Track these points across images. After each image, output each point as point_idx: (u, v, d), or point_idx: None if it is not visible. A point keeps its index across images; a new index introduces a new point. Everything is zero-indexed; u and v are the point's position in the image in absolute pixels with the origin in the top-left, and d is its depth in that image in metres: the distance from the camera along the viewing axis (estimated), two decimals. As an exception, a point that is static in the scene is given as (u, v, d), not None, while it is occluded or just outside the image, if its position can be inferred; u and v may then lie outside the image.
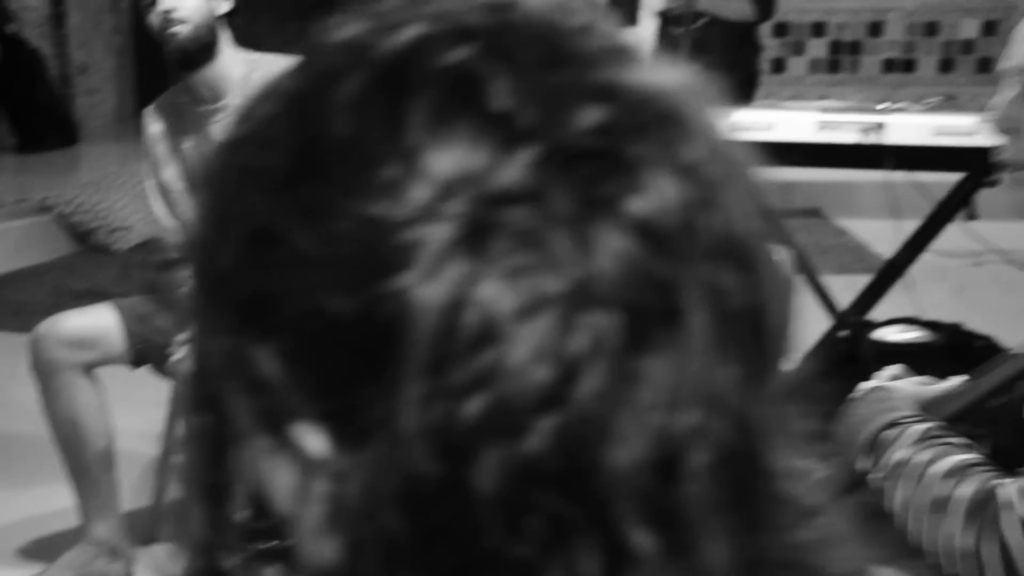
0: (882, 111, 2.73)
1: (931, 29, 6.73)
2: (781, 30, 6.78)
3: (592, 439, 0.34)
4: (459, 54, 0.35)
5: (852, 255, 4.80)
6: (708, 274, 0.35)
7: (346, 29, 0.39)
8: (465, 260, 0.33)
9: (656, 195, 0.34)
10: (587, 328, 0.33)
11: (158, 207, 2.41)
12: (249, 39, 2.39)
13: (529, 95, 0.35)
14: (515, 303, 0.33)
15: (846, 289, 2.98)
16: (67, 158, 5.89)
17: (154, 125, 2.40)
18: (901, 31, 6.75)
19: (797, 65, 6.84)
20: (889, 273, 2.84)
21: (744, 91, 4.25)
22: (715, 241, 0.35)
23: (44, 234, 4.78)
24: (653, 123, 0.36)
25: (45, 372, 2.27)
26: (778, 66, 6.83)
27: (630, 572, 0.35)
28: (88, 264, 4.58)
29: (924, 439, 1.06)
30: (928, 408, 1.11)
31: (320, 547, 0.37)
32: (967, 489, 1.01)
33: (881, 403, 1.12)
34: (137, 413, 2.50)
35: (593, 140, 0.34)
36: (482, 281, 0.33)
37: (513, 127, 0.34)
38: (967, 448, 1.05)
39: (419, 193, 0.34)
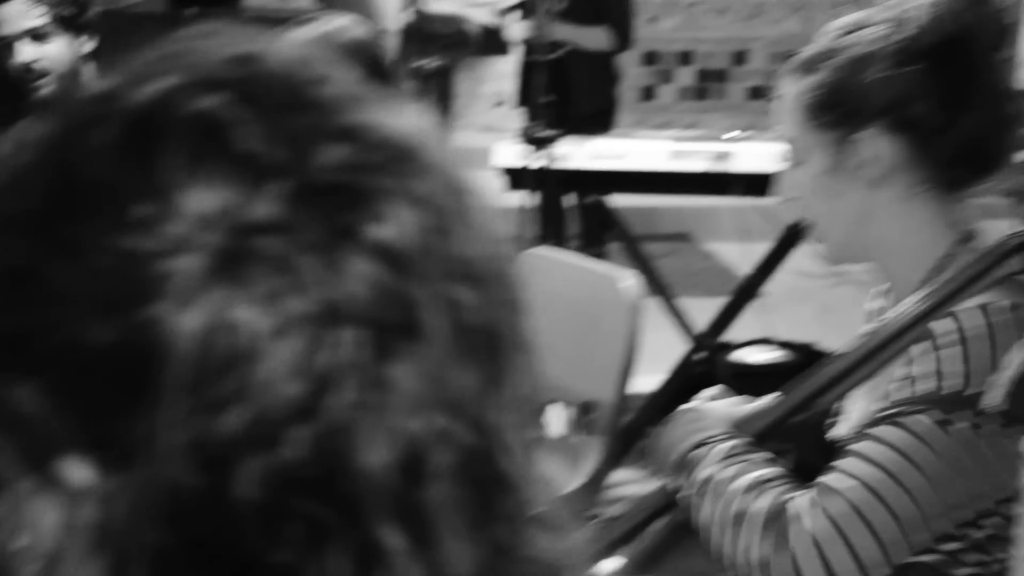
0: (731, 140, 2.81)
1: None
2: (650, 59, 6.94)
3: (344, 445, 0.37)
4: (208, 102, 0.39)
5: (718, 278, 4.92)
6: (446, 292, 0.39)
7: (98, 83, 0.42)
8: (220, 287, 0.36)
9: (395, 223, 0.38)
10: (336, 344, 0.37)
11: None
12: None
13: (276, 137, 0.38)
14: (268, 324, 0.36)
15: (711, 312, 3.06)
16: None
17: None
18: (764, 60, 6.98)
19: (666, 92, 7.01)
20: (742, 296, 2.93)
21: (603, 120, 4.34)
22: (451, 263, 0.40)
23: None
24: (390, 160, 0.40)
25: None
26: (648, 94, 6.99)
27: (380, 571, 0.38)
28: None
29: (728, 456, 1.10)
30: (738, 427, 1.15)
31: (82, 572, 0.38)
32: (763, 503, 1.06)
33: (693, 423, 1.16)
34: None
35: (336, 176, 0.38)
36: (236, 305, 0.36)
37: (261, 166, 0.38)
38: (768, 464, 1.11)
39: (174, 228, 0.37)
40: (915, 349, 1.08)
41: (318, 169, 0.38)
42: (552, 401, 2.16)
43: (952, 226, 1.16)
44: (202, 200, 0.37)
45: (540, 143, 2.72)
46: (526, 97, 4.40)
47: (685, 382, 2.90)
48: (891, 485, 1.03)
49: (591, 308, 2.11)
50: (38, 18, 2.16)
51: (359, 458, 0.37)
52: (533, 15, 4.28)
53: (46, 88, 2.16)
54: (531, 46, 4.20)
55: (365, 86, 0.42)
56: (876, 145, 1.12)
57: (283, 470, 0.36)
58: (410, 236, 0.38)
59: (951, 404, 1.05)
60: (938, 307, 1.08)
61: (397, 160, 0.40)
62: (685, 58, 6.93)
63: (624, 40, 4.30)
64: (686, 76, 6.95)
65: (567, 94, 4.24)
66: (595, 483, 2.05)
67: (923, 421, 1.05)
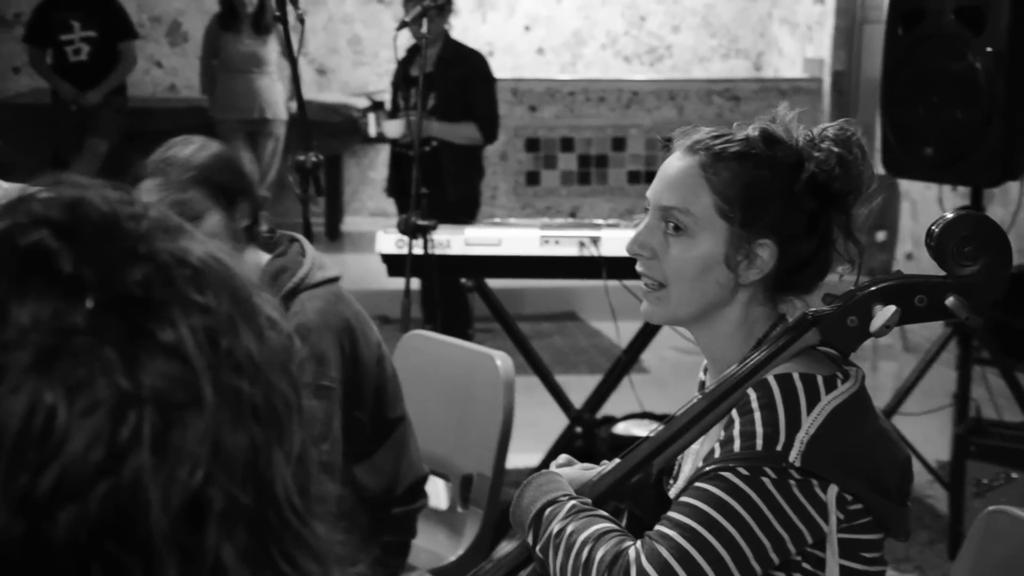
0: (599, 226, 2.98)
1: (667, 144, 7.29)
2: (533, 145, 7.18)
3: (139, 498, 0.48)
4: (35, 236, 0.51)
5: (604, 355, 5.09)
6: (226, 376, 0.51)
7: None
8: (40, 377, 0.48)
9: (183, 327, 0.50)
10: (132, 420, 0.48)
11: None
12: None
13: (90, 261, 0.51)
14: (78, 406, 0.47)
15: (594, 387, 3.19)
16: None
17: None
18: (642, 145, 7.29)
19: (550, 178, 7.25)
20: (616, 372, 3.08)
21: (470, 208, 4.52)
22: (232, 355, 0.51)
23: None
24: (183, 278, 0.52)
25: None
26: (533, 179, 7.22)
27: None
28: None
29: (573, 513, 1.23)
30: (585, 488, 1.28)
31: None
32: (605, 549, 1.18)
33: (544, 486, 1.28)
34: None
35: (138, 290, 0.50)
36: (51, 390, 0.47)
37: (77, 283, 0.50)
38: (607, 519, 1.24)
39: (6, 332, 0.49)
40: (734, 412, 1.23)
41: (123, 285, 0.50)
42: (434, 474, 2.25)
43: (769, 317, 1.32)
44: (29, 310, 0.48)
45: (417, 231, 2.84)
46: (398, 187, 4.56)
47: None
48: (709, 531, 1.17)
49: (468, 386, 2.23)
50: None
51: (151, 509, 0.48)
52: (400, 113, 4.46)
53: None
54: (402, 143, 4.38)
55: (174, 219, 0.55)
56: (767, 252, 1.28)
57: (90, 518, 0.47)
58: (195, 336, 0.50)
59: (762, 459, 1.19)
60: (752, 375, 1.23)
61: (188, 278, 0.52)
62: (567, 144, 7.21)
63: (491, 134, 4.50)
64: (568, 161, 7.22)
65: (439, 185, 4.42)
66: (477, 554, 2.15)
67: (738, 474, 1.20)
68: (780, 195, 1.28)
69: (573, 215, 7.30)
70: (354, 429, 1.95)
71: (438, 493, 2.28)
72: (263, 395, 0.52)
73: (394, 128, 4.41)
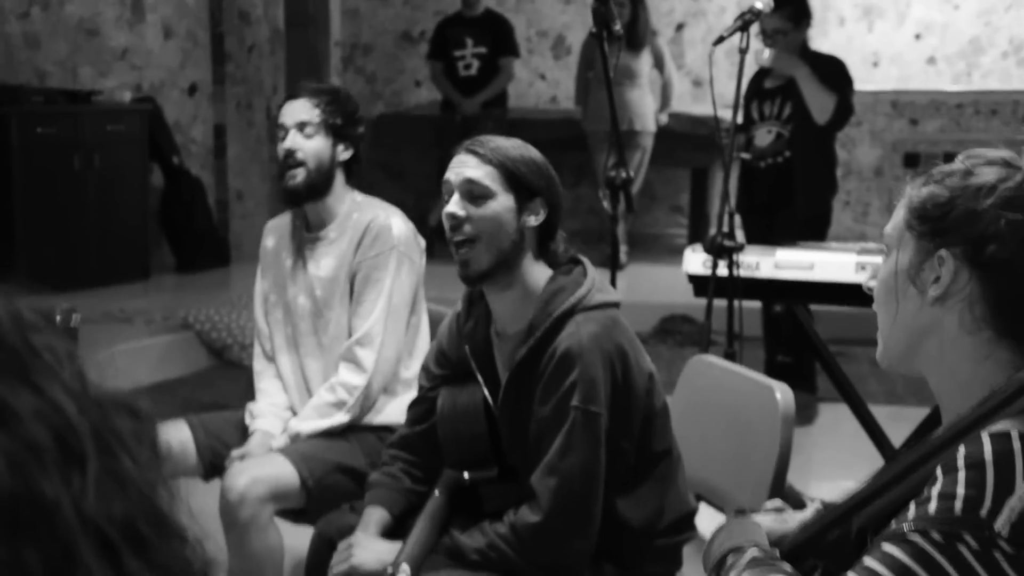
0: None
1: None
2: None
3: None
4: None
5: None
6: (62, 476, 0.53)
7: None
8: None
9: (28, 419, 0.53)
10: None
11: (256, 310, 2.67)
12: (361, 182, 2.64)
13: None
14: None
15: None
16: (218, 277, 6.38)
17: (268, 239, 2.68)
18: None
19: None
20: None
21: (821, 226, 4.32)
22: (60, 436, 0.54)
23: (185, 349, 5.19)
24: (18, 379, 0.54)
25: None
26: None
27: None
28: (219, 378, 4.95)
29: (752, 563, 1.16)
30: (783, 540, 1.21)
31: None
32: None
33: (736, 531, 1.22)
34: (210, 522, 2.72)
35: None
36: None
37: None
38: (784, 573, 1.15)
39: None
40: (938, 469, 1.10)
41: None
42: (709, 503, 2.20)
43: (1010, 362, 1.16)
44: None
45: (722, 252, 2.78)
46: (746, 204, 4.46)
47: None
48: None
49: (747, 416, 2.15)
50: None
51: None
52: (755, 126, 4.35)
53: (297, 180, 2.48)
54: (754, 154, 4.28)
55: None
56: (950, 268, 1.16)
57: None
58: (38, 426, 0.52)
59: (961, 525, 1.06)
60: (968, 430, 1.10)
61: (24, 381, 0.54)
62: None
63: (841, 118, 4.28)
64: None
65: (789, 200, 4.28)
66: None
67: (930, 539, 1.07)
68: (969, 202, 1.15)
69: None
70: (618, 459, 1.93)
71: (712, 522, 2.22)
72: (82, 435, 0.53)
73: (765, 56, 4.21)
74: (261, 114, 7.07)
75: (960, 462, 1.08)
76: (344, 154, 2.52)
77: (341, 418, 2.48)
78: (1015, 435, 1.08)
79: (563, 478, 1.86)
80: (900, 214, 1.22)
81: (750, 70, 4.43)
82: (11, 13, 6.05)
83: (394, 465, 2.16)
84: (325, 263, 2.55)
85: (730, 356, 2.79)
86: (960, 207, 1.15)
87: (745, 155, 4.32)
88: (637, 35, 6.56)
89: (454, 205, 1.92)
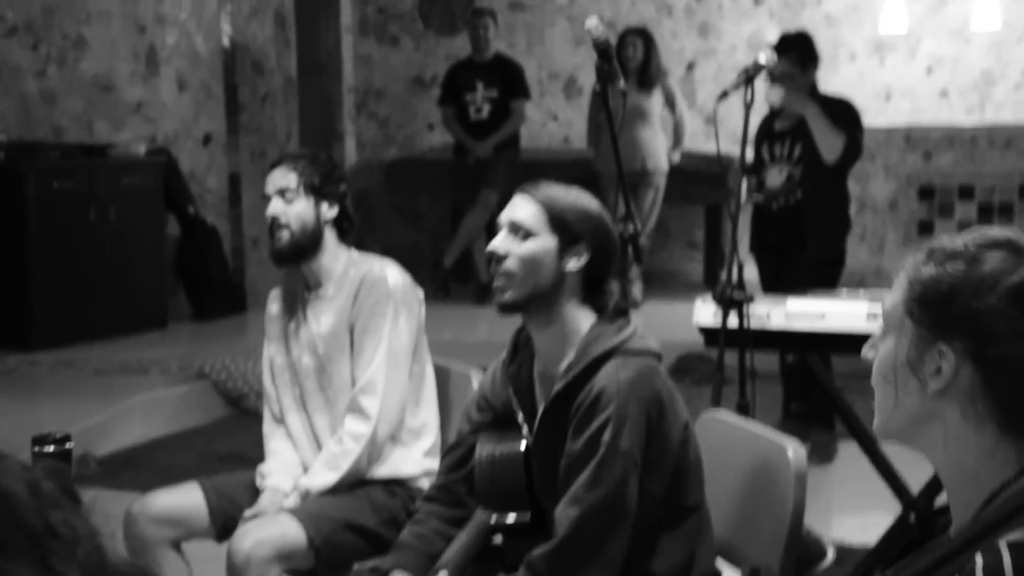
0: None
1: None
2: (927, 194, 6.73)
3: None
4: None
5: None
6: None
7: None
8: None
9: None
10: None
11: (264, 374, 2.68)
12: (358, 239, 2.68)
13: None
14: None
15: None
16: (235, 324, 6.40)
17: (272, 304, 2.70)
18: (1054, 193, 6.59)
19: (945, 228, 6.74)
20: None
21: (835, 268, 4.30)
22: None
23: (201, 399, 5.19)
24: None
25: (136, 549, 2.51)
26: (926, 228, 6.75)
27: None
28: (236, 428, 4.94)
29: None
30: None
31: None
32: None
33: None
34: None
35: None
36: None
37: None
38: None
39: None
40: None
41: None
42: (727, 560, 2.18)
43: (1020, 454, 1.12)
44: None
45: (732, 304, 2.77)
46: (759, 245, 4.45)
47: (898, 545, 2.80)
48: None
49: (760, 473, 2.14)
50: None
51: None
52: (766, 168, 4.35)
53: (281, 243, 2.53)
54: (765, 195, 4.28)
55: None
56: (951, 363, 1.12)
57: None
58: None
59: None
60: (982, 536, 1.06)
61: None
62: (966, 192, 6.68)
63: (850, 158, 4.26)
64: (967, 211, 6.68)
65: (801, 242, 4.26)
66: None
67: None
68: (971, 294, 1.11)
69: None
70: (646, 504, 1.92)
71: (727, 581, 2.20)
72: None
73: (775, 94, 4.24)
74: (275, 162, 7.12)
75: (979, 573, 1.04)
76: (329, 212, 2.56)
77: (348, 466, 2.48)
78: None
79: (585, 509, 1.85)
80: (900, 292, 1.18)
81: (760, 112, 4.45)
82: (28, 72, 6.14)
83: (428, 524, 2.14)
84: (325, 319, 2.57)
85: (743, 408, 2.77)
86: (963, 301, 1.11)
87: (757, 196, 4.31)
88: (648, 75, 6.58)
89: (497, 240, 1.99)
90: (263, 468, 2.60)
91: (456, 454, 2.15)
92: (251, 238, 6.97)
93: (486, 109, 6.88)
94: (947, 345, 1.12)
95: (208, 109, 6.72)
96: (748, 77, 3.01)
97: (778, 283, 4.30)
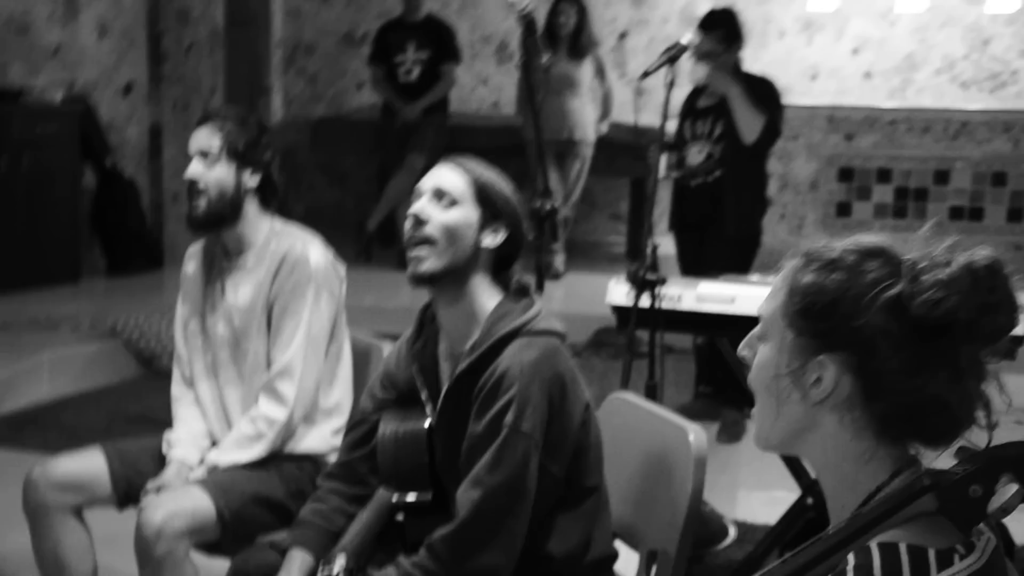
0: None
1: (999, 179, 6.72)
2: (847, 175, 6.85)
3: None
4: None
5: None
6: None
7: None
8: None
9: None
10: None
11: (176, 335, 2.63)
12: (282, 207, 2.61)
13: None
14: None
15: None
16: (151, 281, 6.29)
17: (189, 264, 2.64)
18: (968, 179, 6.74)
19: (862, 209, 6.88)
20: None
21: (751, 247, 4.36)
22: None
23: (112, 358, 5.10)
24: None
25: (35, 514, 2.47)
26: (844, 210, 6.88)
27: None
28: (147, 389, 4.86)
29: None
30: None
31: None
32: None
33: None
34: (124, 552, 2.67)
35: None
36: None
37: None
38: None
39: None
40: None
41: None
42: (625, 542, 2.21)
43: (893, 459, 1.15)
44: None
45: (645, 285, 2.79)
46: (679, 221, 4.49)
47: (795, 528, 2.87)
48: None
49: (662, 457, 2.16)
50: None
51: None
52: (686, 146, 4.39)
53: (199, 209, 2.46)
54: (685, 172, 4.31)
55: None
56: (832, 374, 1.13)
57: None
58: None
59: None
60: (854, 537, 1.08)
61: None
62: (884, 175, 6.82)
63: (769, 138, 4.32)
64: (884, 193, 6.81)
65: (720, 220, 4.31)
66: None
67: None
68: (851, 307, 1.12)
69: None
70: (547, 485, 1.93)
71: (630, 562, 2.23)
72: None
73: (699, 73, 4.29)
74: (198, 115, 6.97)
75: (851, 574, 1.06)
76: (251, 181, 2.49)
77: (261, 451, 2.46)
78: (903, 548, 1.07)
79: (487, 491, 1.86)
80: (779, 299, 1.18)
81: (686, 89, 4.47)
82: (-62, 9, 5.92)
83: (328, 501, 2.13)
84: (243, 292, 2.52)
85: (651, 389, 2.80)
86: (844, 314, 1.12)
87: (675, 174, 4.35)
88: (580, 44, 6.57)
89: (420, 204, 1.96)
90: (170, 436, 2.56)
91: (359, 431, 2.14)
92: (171, 192, 6.84)
93: (416, 71, 6.81)
94: (828, 356, 1.13)
95: (130, 57, 6.55)
96: (671, 57, 3.02)
97: (696, 261, 4.35)
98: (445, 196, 1.95)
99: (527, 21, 2.56)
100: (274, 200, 2.54)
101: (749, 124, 4.21)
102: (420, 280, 1.96)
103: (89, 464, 2.52)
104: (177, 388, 2.63)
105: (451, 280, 1.96)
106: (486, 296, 1.98)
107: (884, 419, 1.14)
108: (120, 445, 2.59)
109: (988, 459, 1.07)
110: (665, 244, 4.26)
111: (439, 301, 2.01)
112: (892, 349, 1.11)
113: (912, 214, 6.83)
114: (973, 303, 1.09)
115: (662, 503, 2.15)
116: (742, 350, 1.24)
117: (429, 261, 1.94)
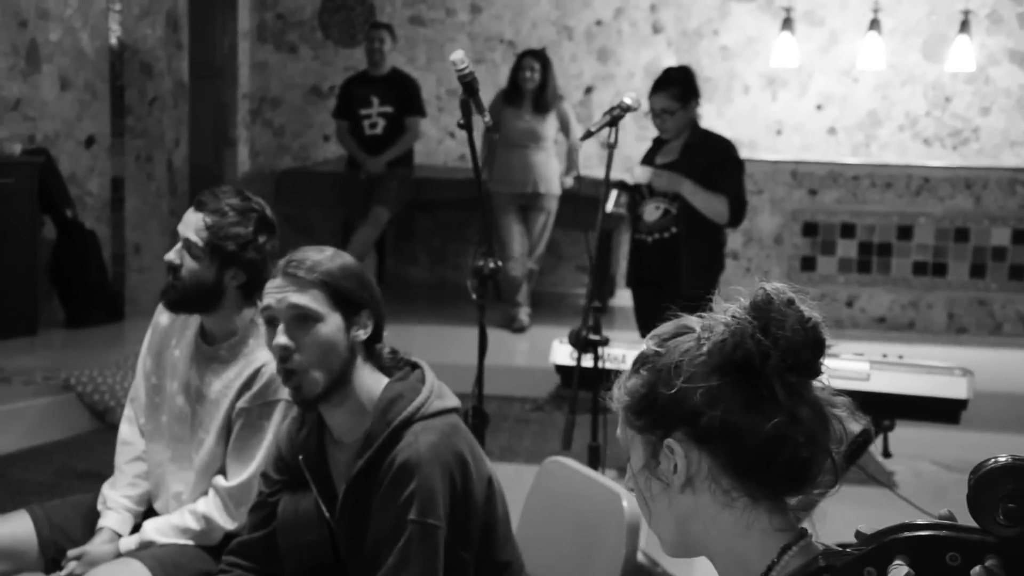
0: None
1: (961, 235, 6.76)
2: (811, 230, 6.87)
3: None
4: None
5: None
6: None
7: None
8: None
9: None
10: None
11: (138, 376, 2.54)
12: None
13: None
14: None
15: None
16: (110, 333, 6.21)
17: (163, 316, 2.51)
18: (931, 235, 6.78)
19: (827, 264, 6.90)
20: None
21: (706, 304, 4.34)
22: None
23: (65, 411, 5.01)
24: None
25: (-37, 582, 2.39)
26: (808, 264, 6.90)
27: None
28: (98, 442, 4.75)
29: None
30: None
31: None
32: None
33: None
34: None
35: None
36: None
37: None
38: None
39: None
40: None
41: None
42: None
43: (780, 528, 1.13)
44: None
45: (588, 346, 2.76)
46: (635, 278, 4.48)
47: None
48: None
49: (595, 523, 2.12)
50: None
51: None
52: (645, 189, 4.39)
53: (173, 293, 2.35)
54: (642, 229, 4.31)
55: None
56: (681, 454, 1.13)
57: None
58: None
59: None
60: None
61: None
62: (848, 230, 6.85)
63: (737, 216, 4.32)
64: (848, 248, 6.84)
65: (675, 276, 4.30)
66: None
67: None
68: (665, 385, 1.14)
69: (850, 304, 6.90)
70: (458, 571, 1.89)
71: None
72: None
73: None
74: (162, 167, 6.95)
75: None
76: (234, 280, 2.35)
77: (201, 544, 2.38)
78: None
79: None
80: (620, 415, 1.21)
81: (645, 144, 4.48)
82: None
83: (231, 574, 2.09)
84: (212, 385, 2.40)
85: (594, 451, 2.77)
86: (662, 394, 1.14)
87: (622, 210, 4.36)
88: (545, 99, 6.60)
89: (282, 336, 1.88)
90: (107, 490, 2.49)
91: (258, 515, 2.08)
92: (133, 244, 6.78)
93: (381, 124, 6.82)
94: (671, 440, 1.14)
95: (92, 110, 6.52)
96: (613, 118, 3.02)
97: (653, 317, 4.32)
98: (301, 315, 1.88)
99: (467, 81, 2.55)
100: (258, 293, 2.24)
101: (715, 210, 4.24)
102: (311, 406, 1.92)
103: (15, 529, 2.45)
104: (125, 429, 2.54)
105: (336, 389, 1.91)
106: (371, 383, 1.93)
107: (742, 472, 1.13)
108: (50, 507, 2.52)
109: (882, 541, 1.04)
110: (626, 299, 4.23)
111: (325, 408, 1.94)
112: (712, 401, 1.12)
113: (876, 269, 6.86)
114: (757, 329, 1.11)
115: (596, 569, 2.11)
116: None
117: (311, 386, 1.89)
